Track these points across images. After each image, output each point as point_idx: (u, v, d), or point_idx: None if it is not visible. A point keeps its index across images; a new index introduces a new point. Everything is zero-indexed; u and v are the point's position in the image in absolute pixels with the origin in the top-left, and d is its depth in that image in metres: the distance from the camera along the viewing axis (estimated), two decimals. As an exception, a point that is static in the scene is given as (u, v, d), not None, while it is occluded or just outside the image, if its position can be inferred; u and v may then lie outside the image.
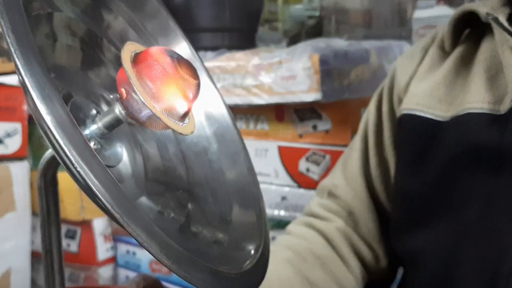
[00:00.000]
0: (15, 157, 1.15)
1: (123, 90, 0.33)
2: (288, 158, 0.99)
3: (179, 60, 0.35)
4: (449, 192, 0.53)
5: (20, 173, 1.16)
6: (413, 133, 0.59)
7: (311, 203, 0.72)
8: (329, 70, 0.89)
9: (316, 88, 0.90)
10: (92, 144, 0.34)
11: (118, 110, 0.34)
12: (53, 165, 0.35)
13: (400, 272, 0.70)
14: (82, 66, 0.39)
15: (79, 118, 0.35)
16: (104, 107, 0.39)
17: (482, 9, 0.55)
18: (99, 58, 0.40)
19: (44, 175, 0.35)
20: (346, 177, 0.68)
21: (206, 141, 0.45)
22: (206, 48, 1.16)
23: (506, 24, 0.52)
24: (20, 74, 0.24)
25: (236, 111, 1.07)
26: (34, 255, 1.18)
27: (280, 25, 1.46)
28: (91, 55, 0.40)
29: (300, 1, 1.46)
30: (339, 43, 0.97)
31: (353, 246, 0.66)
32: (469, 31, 0.60)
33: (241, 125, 1.09)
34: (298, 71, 0.93)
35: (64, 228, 1.21)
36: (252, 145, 1.06)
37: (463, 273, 0.50)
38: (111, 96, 0.39)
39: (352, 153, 0.70)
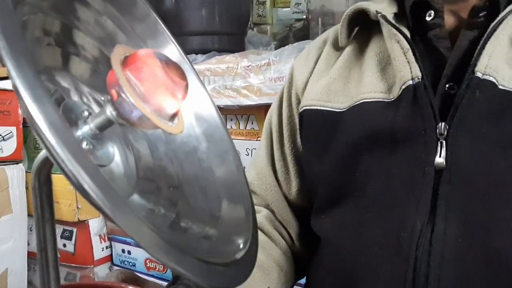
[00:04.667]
0: (11, 160, 1.16)
1: (113, 91, 0.35)
2: (278, 158, 1.00)
3: (168, 62, 0.36)
4: (353, 174, 0.58)
5: (16, 176, 1.17)
6: (315, 125, 0.63)
7: None
8: (316, 71, 0.90)
9: (304, 89, 0.92)
10: (84, 144, 0.35)
11: (109, 111, 0.35)
12: (47, 165, 0.36)
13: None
14: (73, 68, 0.40)
15: (71, 120, 0.36)
16: (95, 108, 0.40)
17: (372, 7, 0.60)
18: (90, 61, 0.42)
19: (39, 175, 0.36)
20: (257, 173, 0.73)
21: (196, 140, 0.46)
22: (196, 52, 1.17)
23: (393, 20, 0.58)
24: (11, 76, 0.25)
25: (226, 112, 1.09)
26: (31, 256, 1.19)
27: (269, 28, 1.48)
28: (82, 59, 0.41)
29: (288, 4, 1.48)
30: (326, 44, 0.98)
31: (277, 229, 0.72)
32: (359, 28, 0.65)
33: (231, 125, 1.10)
34: (285, 73, 0.94)
35: (60, 229, 1.22)
36: (242, 144, 1.08)
37: (370, 245, 0.55)
38: (102, 98, 0.40)
39: (259, 151, 0.75)
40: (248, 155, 1.07)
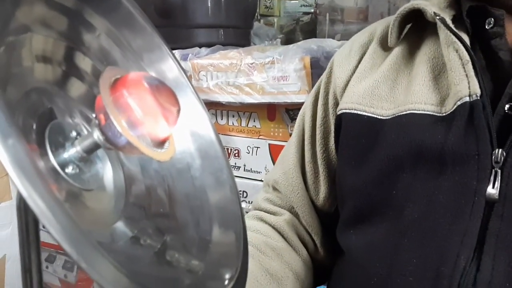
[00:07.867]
0: (10, 145, 1.16)
1: (101, 116, 0.34)
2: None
3: (159, 86, 0.35)
4: (391, 191, 0.53)
5: (17, 161, 1.17)
6: (354, 131, 0.59)
7: (259, 198, 0.74)
8: (320, 72, 0.89)
9: (307, 90, 0.91)
10: (70, 168, 0.35)
11: (96, 135, 0.34)
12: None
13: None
14: (63, 85, 0.39)
15: (58, 142, 0.35)
16: (85, 126, 0.39)
17: (429, 8, 0.54)
18: (81, 76, 0.40)
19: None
20: (284, 172, 0.69)
21: (190, 157, 0.45)
22: (201, 45, 1.16)
23: (452, 26, 0.52)
24: None
25: (228, 108, 1.08)
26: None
27: (276, 20, 1.46)
28: (71, 74, 0.40)
29: (296, -4, 1.46)
30: (331, 43, 0.96)
31: (299, 235, 0.68)
32: (411, 27, 0.60)
33: (233, 122, 1.09)
34: (289, 72, 0.93)
35: (62, 259, 1.22)
36: (244, 142, 1.07)
37: (404, 274, 0.50)
38: (93, 115, 0.39)
39: (289, 148, 0.70)
40: (248, 153, 1.06)
